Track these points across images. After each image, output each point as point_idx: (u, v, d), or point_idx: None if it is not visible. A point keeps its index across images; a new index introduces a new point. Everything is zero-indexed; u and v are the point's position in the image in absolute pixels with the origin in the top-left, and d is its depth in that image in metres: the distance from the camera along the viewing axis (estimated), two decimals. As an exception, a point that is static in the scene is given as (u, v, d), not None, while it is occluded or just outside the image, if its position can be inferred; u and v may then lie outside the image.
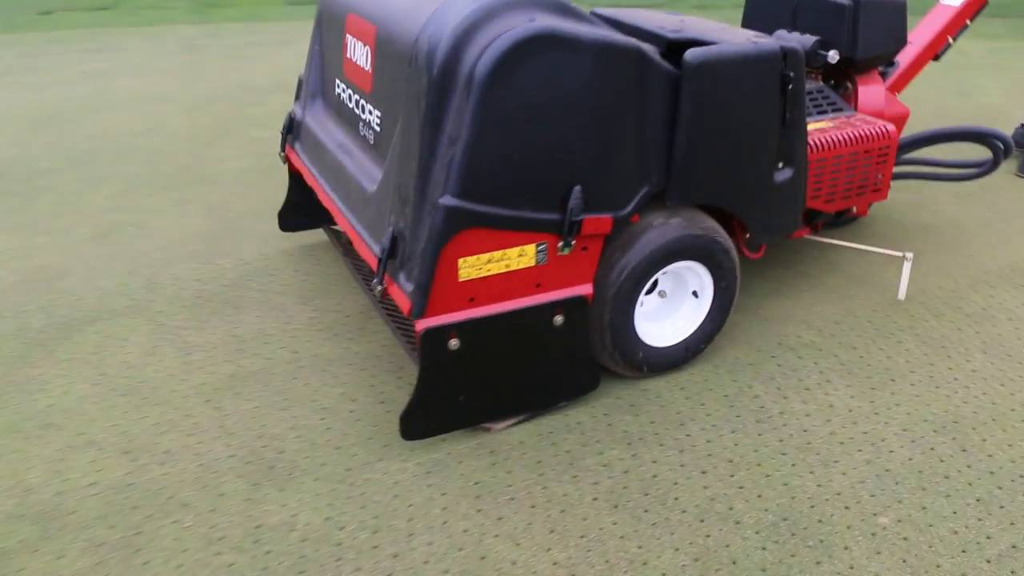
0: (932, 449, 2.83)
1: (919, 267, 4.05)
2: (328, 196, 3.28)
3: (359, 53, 3.10)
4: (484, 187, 2.42)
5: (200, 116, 6.58)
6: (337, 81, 3.42)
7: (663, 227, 2.83)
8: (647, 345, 3.06)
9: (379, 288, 2.62)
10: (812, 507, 2.57)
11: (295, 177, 3.91)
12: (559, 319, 2.73)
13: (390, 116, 2.85)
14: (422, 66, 2.43)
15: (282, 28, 10.45)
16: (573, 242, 2.61)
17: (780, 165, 3.07)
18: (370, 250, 2.80)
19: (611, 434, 2.89)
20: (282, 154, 3.86)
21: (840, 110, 3.72)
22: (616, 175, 2.63)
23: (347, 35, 3.23)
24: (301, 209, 4.05)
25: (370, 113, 3.05)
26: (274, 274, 3.98)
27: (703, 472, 2.72)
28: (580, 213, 2.57)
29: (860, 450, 2.83)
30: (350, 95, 3.27)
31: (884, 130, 3.55)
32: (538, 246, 2.60)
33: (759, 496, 2.62)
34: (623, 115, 2.56)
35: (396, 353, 3.35)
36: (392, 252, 2.58)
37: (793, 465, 2.76)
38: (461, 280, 2.52)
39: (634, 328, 2.97)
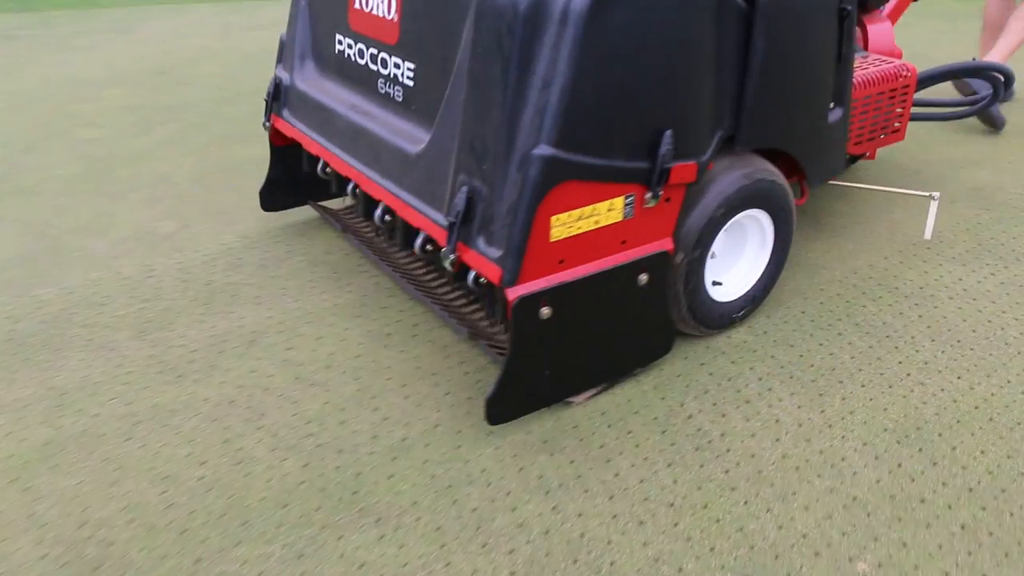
0: (899, 466, 2.42)
1: (846, 244, 3.68)
2: (345, 163, 3.03)
3: (376, 1, 2.87)
4: (580, 135, 2.22)
5: (18, 117, 5.65)
6: (339, 37, 3.14)
7: (732, 173, 2.68)
8: (714, 300, 2.92)
9: (451, 257, 2.37)
10: (776, 558, 2.10)
11: (278, 151, 3.65)
12: (643, 277, 2.55)
13: (430, 67, 2.64)
14: (503, 3, 2.19)
15: (119, 15, 9.39)
16: (660, 192, 2.43)
17: (832, 105, 3.00)
18: (423, 216, 2.58)
19: (524, 482, 2.36)
20: (267, 123, 3.52)
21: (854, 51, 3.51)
22: (698, 118, 2.48)
23: None
24: (284, 186, 3.78)
25: (396, 67, 2.81)
26: (104, 303, 3.27)
27: (640, 523, 2.21)
28: (671, 160, 2.40)
29: (820, 475, 2.38)
30: (361, 50, 3.01)
31: (903, 69, 3.51)
32: (626, 199, 2.41)
33: (711, 549, 2.13)
34: (705, 53, 2.40)
35: (255, 396, 2.72)
36: (467, 215, 2.35)
37: (746, 503, 2.28)
38: (552, 241, 2.30)
39: (705, 283, 2.81)
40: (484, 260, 2.32)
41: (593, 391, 2.69)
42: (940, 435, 2.54)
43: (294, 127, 3.37)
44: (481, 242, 2.33)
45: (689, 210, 2.62)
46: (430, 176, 2.56)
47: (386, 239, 3.48)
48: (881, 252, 3.64)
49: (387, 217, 2.92)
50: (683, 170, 2.46)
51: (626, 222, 2.44)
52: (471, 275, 2.46)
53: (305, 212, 3.99)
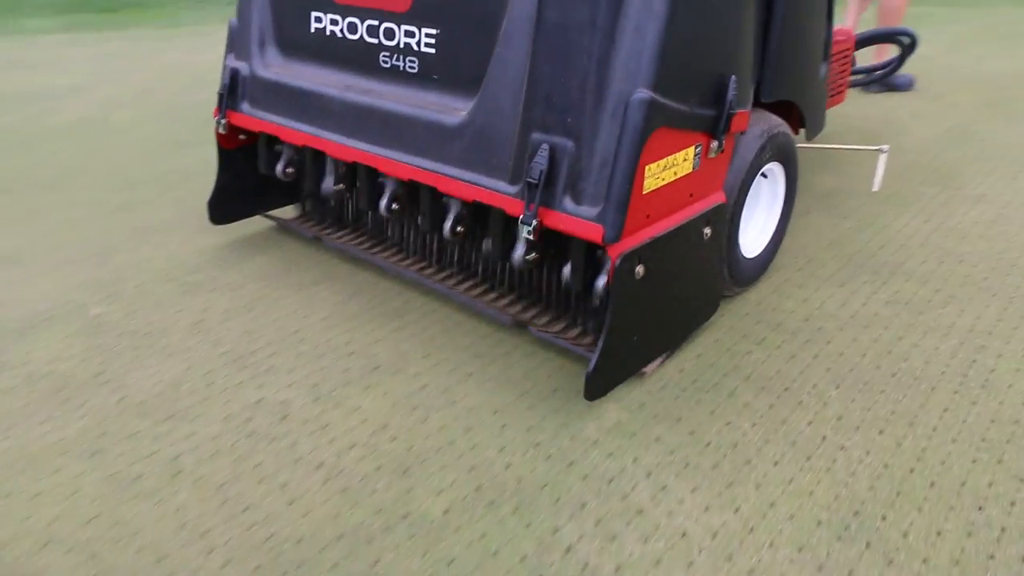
0: (850, 574, 1.81)
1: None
2: (346, 147, 2.83)
3: None
4: (671, 79, 2.16)
5: None
6: (316, 15, 2.93)
7: (756, 126, 2.69)
8: (744, 257, 2.90)
9: (533, 223, 2.23)
10: None
11: (227, 155, 3.36)
12: (707, 231, 2.51)
13: (458, 30, 2.50)
14: None
15: None
16: (724, 141, 2.42)
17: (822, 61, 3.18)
18: (477, 187, 2.42)
19: None
20: (222, 121, 3.21)
21: None
22: (746, 68, 2.49)
23: None
24: (234, 195, 3.46)
25: (409, 36, 2.65)
26: None
27: None
28: (736, 106, 2.39)
29: (758, 613, 1.73)
30: (352, 24, 2.82)
31: (842, 34, 3.57)
32: (696, 148, 2.36)
33: None
34: (752, 4, 2.44)
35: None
36: (549, 175, 2.21)
37: None
38: (644, 193, 2.19)
39: (739, 238, 2.80)
40: (576, 220, 2.19)
41: (661, 359, 2.58)
42: (884, 518, 1.96)
43: (262, 120, 3.11)
44: (568, 202, 2.21)
45: (734, 161, 2.60)
46: (480, 144, 2.41)
47: (389, 230, 3.25)
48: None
49: (394, 206, 2.82)
50: (739, 118, 2.46)
51: (694, 174, 2.37)
52: (566, 268, 2.42)
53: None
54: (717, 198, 2.53)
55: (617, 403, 2.40)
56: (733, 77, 2.34)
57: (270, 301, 3.01)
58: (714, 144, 2.39)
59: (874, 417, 2.33)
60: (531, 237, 2.24)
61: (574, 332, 2.64)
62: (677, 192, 2.33)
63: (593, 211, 2.16)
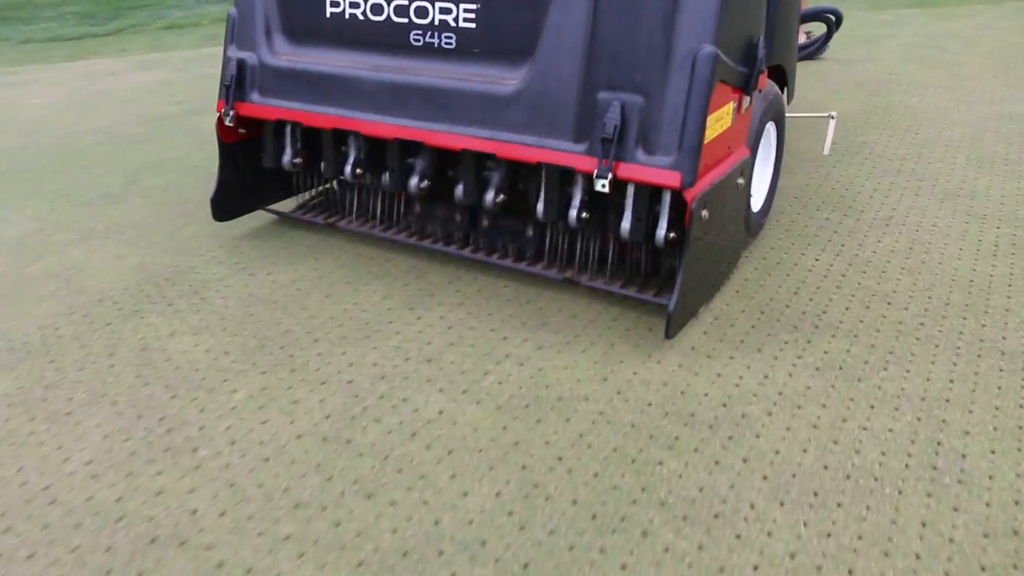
0: None
1: (558, 356, 2.50)
2: (385, 124, 2.86)
3: None
4: (726, 36, 2.37)
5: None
6: (332, 0, 2.95)
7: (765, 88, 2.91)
8: (751, 209, 3.04)
9: (608, 177, 2.38)
10: None
11: (228, 149, 3.27)
12: (741, 181, 2.69)
13: (501, 3, 2.60)
14: None
15: None
16: (753, 97, 2.66)
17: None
18: (541, 149, 2.55)
19: None
20: (230, 113, 3.14)
21: None
22: (761, 33, 2.68)
23: None
24: (236, 190, 3.37)
25: (445, 12, 2.70)
26: None
27: None
28: (764, 64, 2.63)
29: None
30: (377, 5, 2.85)
31: None
32: (733, 104, 2.54)
33: None
34: None
35: None
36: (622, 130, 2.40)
37: None
38: (706, 143, 2.35)
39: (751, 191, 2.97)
40: (652, 170, 2.37)
41: (707, 302, 2.71)
42: None
43: (276, 108, 3.11)
44: (641, 154, 2.39)
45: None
46: (539, 109, 2.54)
47: (418, 206, 3.23)
48: (617, 355, 2.49)
49: (424, 183, 2.91)
50: (763, 77, 2.69)
51: (731, 128, 2.54)
52: (662, 228, 2.53)
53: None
54: (744, 151, 2.74)
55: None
56: (761, 38, 2.62)
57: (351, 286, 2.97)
58: (746, 100, 2.61)
59: (838, 547, 1.72)
60: (605, 190, 2.39)
61: (617, 283, 2.79)
62: (722, 144, 2.51)
63: (668, 159, 2.34)
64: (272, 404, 2.30)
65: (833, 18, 4.49)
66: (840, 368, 2.37)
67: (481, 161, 2.81)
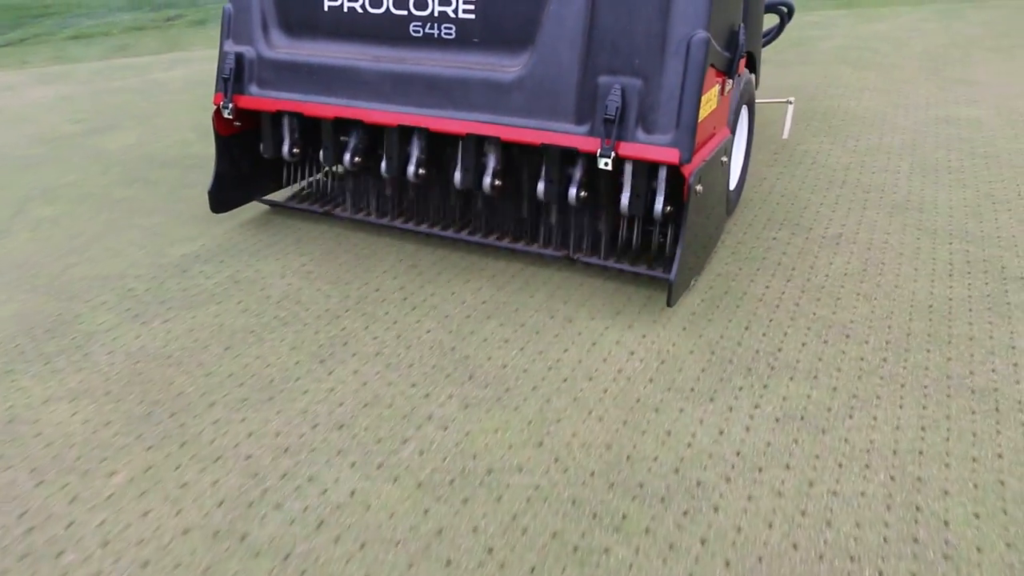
0: None
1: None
2: (387, 112, 3.00)
3: None
4: (715, 24, 2.56)
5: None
6: None
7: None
8: (729, 188, 3.21)
9: (612, 155, 2.56)
10: None
11: (224, 141, 3.36)
12: (725, 159, 2.87)
13: None
14: None
15: None
16: (734, 80, 2.90)
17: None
18: (543, 131, 2.72)
19: None
20: (229, 105, 3.23)
21: None
22: (741, 19, 2.96)
23: None
24: (232, 182, 3.45)
25: (444, 4, 2.84)
26: None
27: None
28: (744, 50, 2.91)
29: None
30: None
31: None
32: (718, 87, 2.76)
33: None
34: None
35: None
36: (622, 111, 2.59)
37: None
38: (700, 121, 2.54)
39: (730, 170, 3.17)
40: (651, 148, 2.56)
41: (696, 276, 2.87)
42: None
43: (276, 99, 3.19)
44: (640, 133, 2.58)
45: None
46: (541, 94, 2.71)
47: (412, 192, 3.35)
48: (554, 411, 2.21)
49: (420, 171, 3.07)
50: (742, 62, 3.04)
51: (716, 109, 2.78)
52: (658, 202, 2.72)
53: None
54: (726, 132, 2.92)
55: None
56: (742, 25, 2.86)
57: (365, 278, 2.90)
58: (728, 83, 2.82)
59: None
60: (607, 168, 2.58)
61: (611, 259, 2.96)
62: (709, 124, 2.69)
63: (666, 138, 2.51)
64: (156, 489, 1.96)
65: (785, 9, 4.50)
66: (802, 418, 2.14)
67: (480, 147, 2.95)
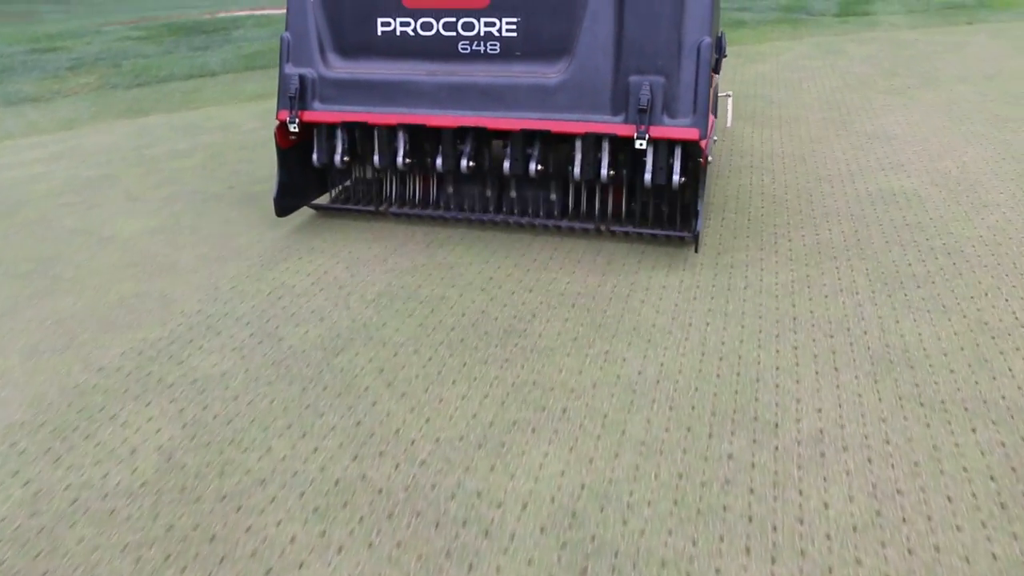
0: None
1: None
2: (448, 117, 3.52)
3: None
4: (712, 32, 3.27)
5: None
6: (383, 20, 3.58)
7: None
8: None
9: (646, 137, 3.25)
10: None
11: (284, 154, 3.79)
12: (716, 139, 3.66)
13: (536, 17, 3.38)
14: None
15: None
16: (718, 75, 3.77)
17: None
18: (585, 123, 3.36)
19: None
20: (295, 120, 3.66)
21: None
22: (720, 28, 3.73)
23: None
24: (292, 189, 3.91)
25: (490, 26, 3.43)
26: None
27: None
28: (725, 52, 3.94)
29: None
30: (427, 23, 3.51)
31: None
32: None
33: None
34: None
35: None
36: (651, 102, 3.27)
37: None
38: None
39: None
40: (676, 129, 3.26)
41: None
42: None
43: (339, 112, 3.65)
44: (666, 118, 3.28)
45: None
46: (581, 93, 3.36)
47: (460, 184, 3.93)
48: None
49: (471, 163, 3.62)
50: (722, 62, 3.88)
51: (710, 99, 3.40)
52: (675, 170, 3.37)
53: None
54: (713, 117, 3.70)
55: None
56: (723, 32, 3.91)
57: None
58: (716, 79, 3.69)
59: None
60: (642, 147, 3.27)
61: (632, 226, 3.66)
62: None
63: (687, 120, 3.25)
64: None
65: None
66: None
67: (528, 140, 3.50)
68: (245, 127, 5.73)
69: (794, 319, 2.87)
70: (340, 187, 4.14)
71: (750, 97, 6.39)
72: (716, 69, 3.99)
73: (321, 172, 4.02)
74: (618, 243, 3.63)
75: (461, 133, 3.59)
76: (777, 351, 2.67)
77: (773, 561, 1.79)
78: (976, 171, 4.45)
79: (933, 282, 3.14)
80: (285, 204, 3.88)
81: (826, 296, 3.04)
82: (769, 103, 6.17)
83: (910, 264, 3.30)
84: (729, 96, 4.63)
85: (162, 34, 9.45)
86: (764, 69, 7.55)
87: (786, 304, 2.98)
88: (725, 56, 4.63)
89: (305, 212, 4.12)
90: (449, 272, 3.36)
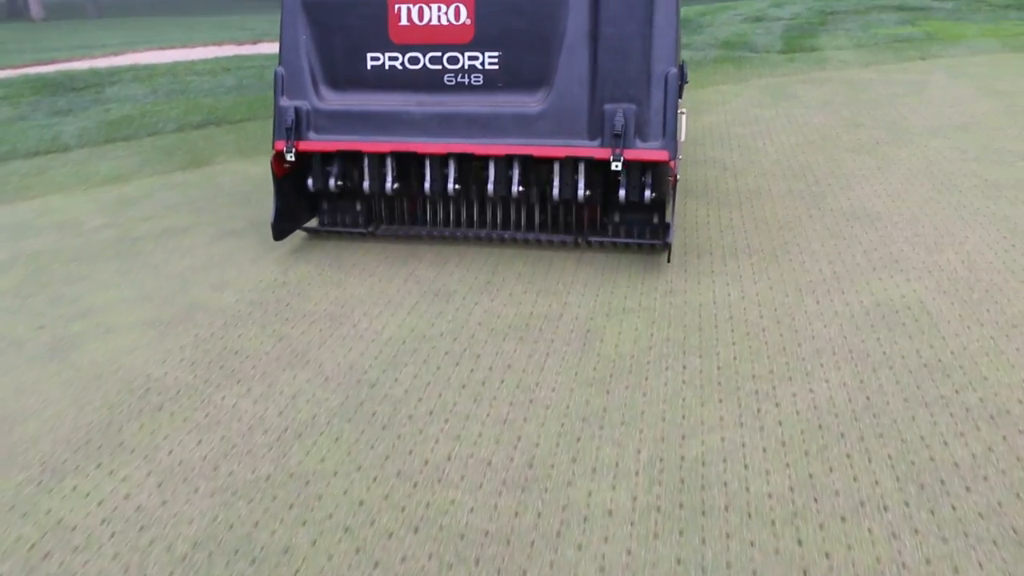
0: None
1: None
2: (436, 144, 3.78)
3: (439, 13, 3.69)
4: (677, 62, 3.63)
5: None
6: (372, 55, 3.82)
7: None
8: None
9: (622, 159, 3.54)
10: None
11: (279, 182, 3.99)
12: (680, 157, 4.16)
13: (516, 51, 3.68)
14: None
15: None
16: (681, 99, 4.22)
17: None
18: (565, 147, 3.66)
19: None
20: (291, 150, 3.87)
21: None
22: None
23: (395, 4, 3.75)
24: (287, 214, 4.13)
25: (473, 59, 3.71)
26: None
27: None
28: (687, 79, 4.70)
29: None
30: (414, 57, 3.77)
31: None
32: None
33: None
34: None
35: None
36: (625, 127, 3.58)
37: None
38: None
39: None
40: (648, 151, 3.59)
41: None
42: None
43: (333, 142, 3.89)
44: (638, 142, 3.60)
45: None
46: (560, 120, 3.65)
47: (448, 208, 4.20)
48: None
49: (457, 186, 3.89)
50: (685, 88, 4.75)
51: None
52: (647, 192, 3.74)
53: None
54: (681, 138, 4.14)
55: None
56: (684, 62, 4.22)
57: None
58: (680, 101, 3.81)
59: None
60: (619, 167, 3.55)
61: (607, 238, 4.01)
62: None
63: (657, 143, 3.57)
64: None
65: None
66: None
67: (509, 164, 3.82)
68: (87, 225, 4.60)
69: (805, 579, 1.90)
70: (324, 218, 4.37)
71: (700, 163, 5.48)
72: (679, 94, 4.32)
73: (313, 197, 4.23)
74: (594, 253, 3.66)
75: (444, 160, 3.88)
76: None
77: None
78: (985, 266, 3.59)
79: (986, 478, 2.21)
80: (281, 228, 4.10)
81: (843, 518, 2.09)
82: (723, 170, 5.27)
83: (946, 443, 2.38)
84: (684, 112, 4.70)
85: (22, 92, 8.23)
86: (711, 122, 6.69)
87: (790, 543, 2.01)
88: (687, 83, 5.09)
89: (112, 398, 2.92)
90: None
